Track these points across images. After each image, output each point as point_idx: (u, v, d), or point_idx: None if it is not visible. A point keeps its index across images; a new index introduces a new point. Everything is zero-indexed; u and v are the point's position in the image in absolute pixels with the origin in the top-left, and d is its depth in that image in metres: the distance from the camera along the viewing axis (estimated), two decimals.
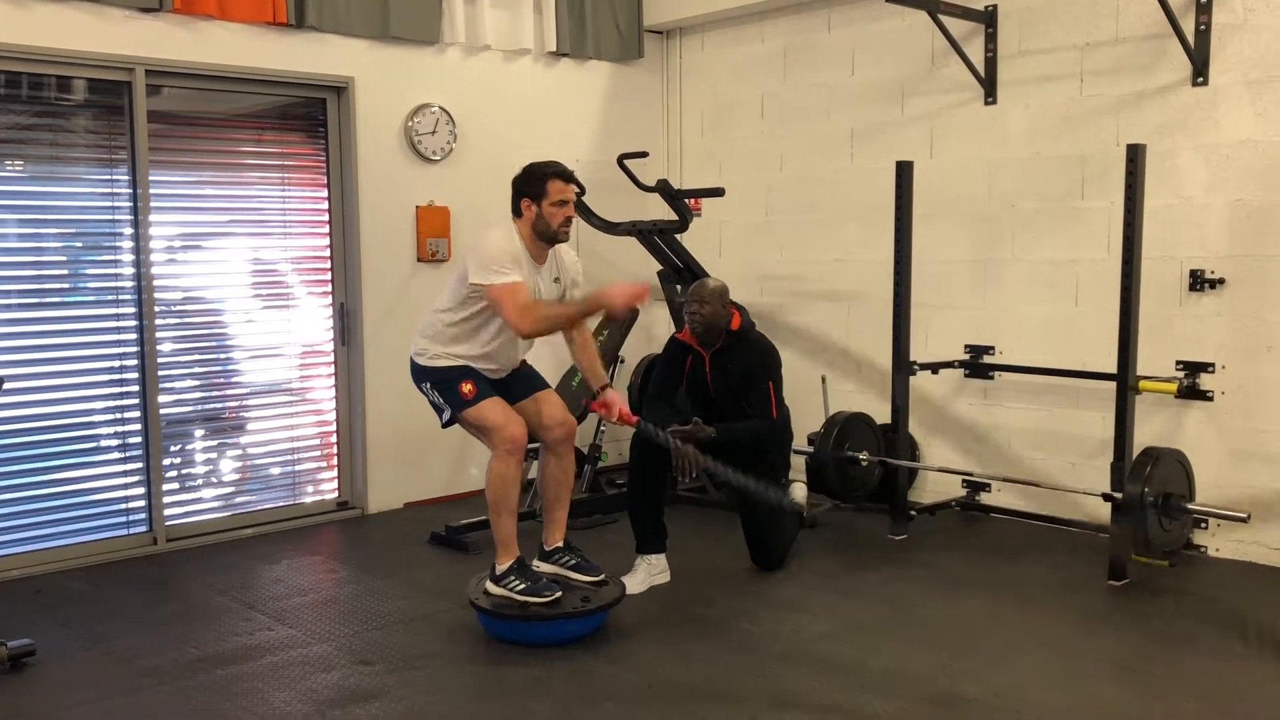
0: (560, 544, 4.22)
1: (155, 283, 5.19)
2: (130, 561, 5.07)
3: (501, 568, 4.02)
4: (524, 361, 4.29)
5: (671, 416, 4.68)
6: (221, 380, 5.57)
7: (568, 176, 4.05)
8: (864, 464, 5.41)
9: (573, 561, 4.18)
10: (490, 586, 4.04)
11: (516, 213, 4.05)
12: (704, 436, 4.56)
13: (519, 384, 4.21)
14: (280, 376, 5.74)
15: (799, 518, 5.32)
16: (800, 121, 6.45)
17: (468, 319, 4.02)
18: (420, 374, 4.13)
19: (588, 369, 4.31)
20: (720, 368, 4.76)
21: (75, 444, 5.07)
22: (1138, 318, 4.52)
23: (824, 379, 6.05)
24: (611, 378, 5.82)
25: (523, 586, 3.98)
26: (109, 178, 5.08)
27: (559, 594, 3.98)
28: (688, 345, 4.85)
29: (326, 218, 5.81)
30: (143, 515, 5.24)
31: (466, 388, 4.00)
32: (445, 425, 4.14)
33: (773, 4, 6.36)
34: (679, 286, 5.92)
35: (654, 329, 6.93)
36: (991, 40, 5.55)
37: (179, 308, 5.36)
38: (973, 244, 5.73)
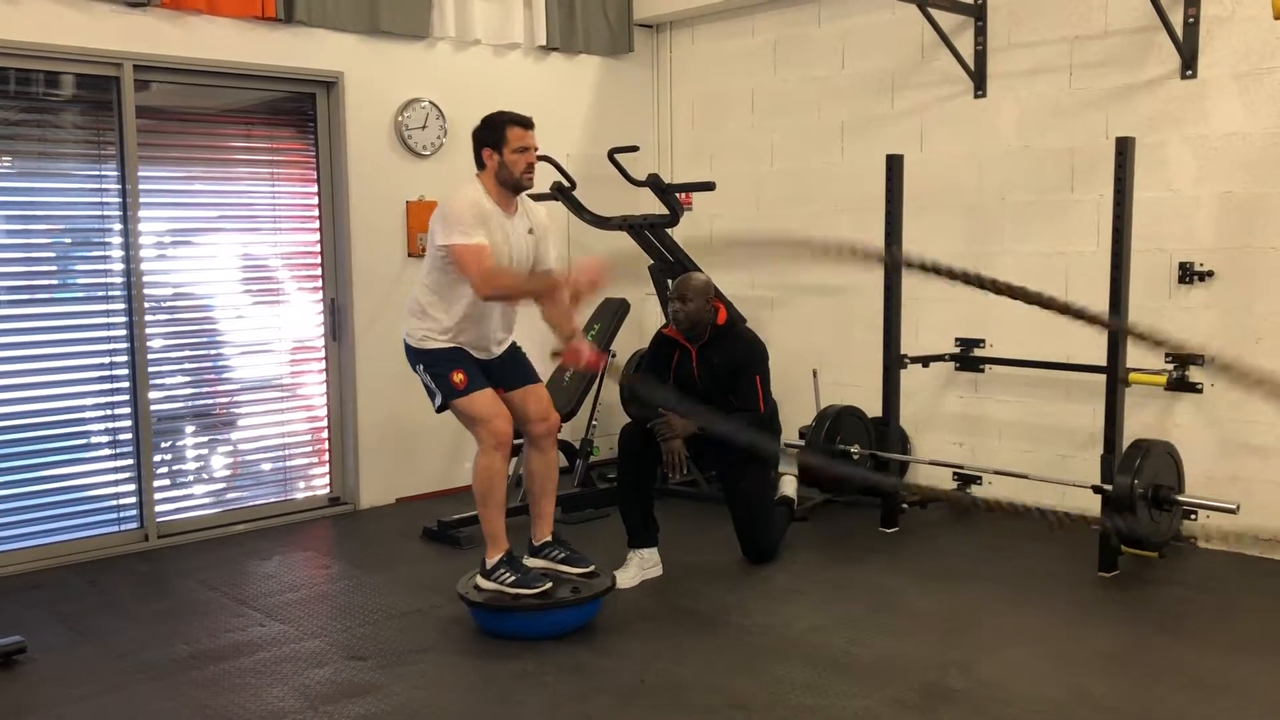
0: (549, 538, 4.23)
1: (145, 279, 5.18)
2: (122, 558, 5.06)
3: (491, 561, 4.03)
4: (516, 345, 4.27)
5: (656, 412, 4.69)
6: (212, 376, 5.56)
7: (526, 123, 4.07)
8: (855, 457, 5.42)
9: (562, 555, 4.19)
10: (481, 581, 4.05)
11: (479, 165, 4.07)
12: (688, 430, 4.58)
13: (512, 372, 4.20)
14: (271, 372, 5.73)
15: (789, 511, 5.33)
16: (791, 115, 6.45)
17: (444, 284, 4.00)
18: (414, 356, 4.12)
19: (558, 323, 4.23)
20: (707, 361, 4.77)
21: (66, 441, 5.06)
22: (1127, 310, 4.54)
23: (815, 372, 6.06)
24: (602, 372, 5.83)
25: (513, 579, 3.98)
26: (98, 174, 5.07)
27: (549, 585, 3.99)
28: (674, 340, 4.86)
29: (316, 213, 5.80)
30: (134, 512, 5.23)
31: (458, 377, 3.99)
32: (438, 410, 4.14)
33: None
34: (670, 281, 5.92)
35: (646, 323, 6.92)
36: (981, 33, 5.56)
37: (169, 304, 5.35)
38: (963, 237, 5.74)
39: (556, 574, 4.12)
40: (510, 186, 4.04)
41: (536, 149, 4.11)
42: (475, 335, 4.08)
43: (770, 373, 4.87)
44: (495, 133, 4.03)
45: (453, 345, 4.05)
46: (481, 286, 3.87)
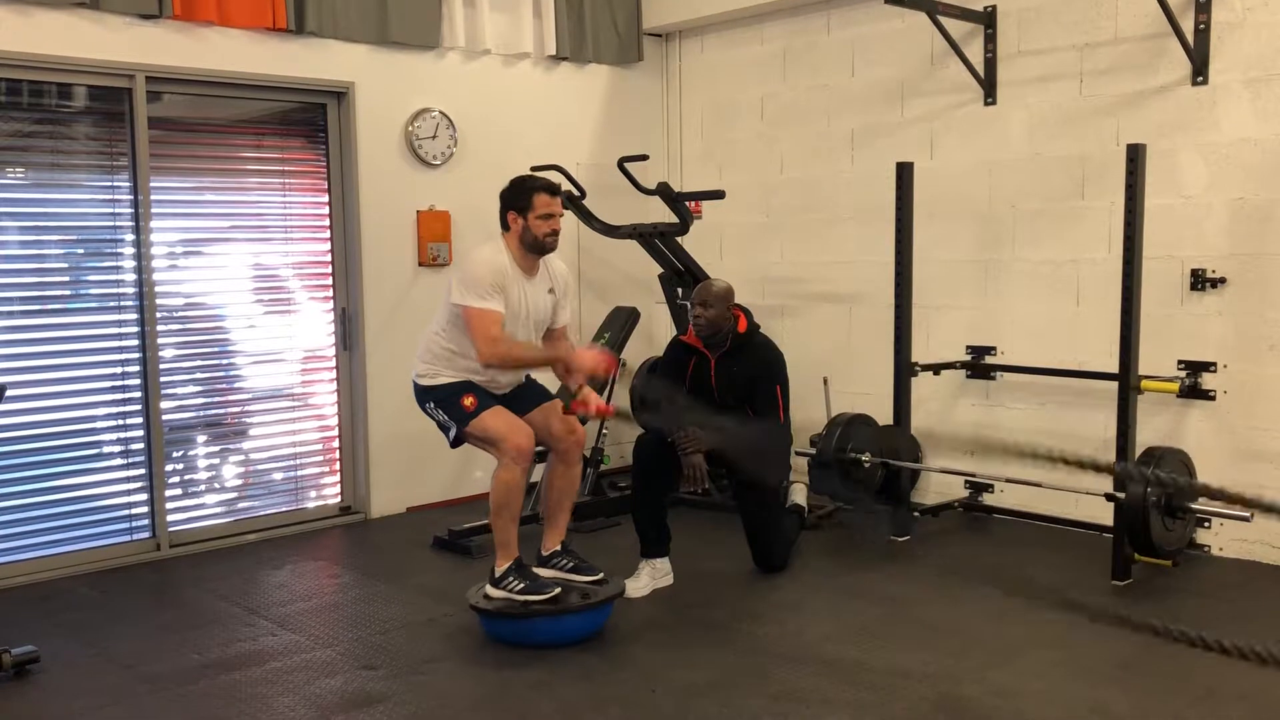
0: (558, 548, 4.23)
1: (157, 289, 5.19)
2: (133, 567, 5.08)
3: (500, 569, 4.03)
4: (529, 376, 4.30)
5: (671, 420, 4.68)
6: (223, 386, 5.57)
7: (553, 189, 4.10)
8: (866, 465, 5.40)
9: (570, 564, 4.20)
10: (490, 590, 4.05)
11: (504, 226, 4.10)
12: (709, 446, 4.57)
13: (524, 397, 4.23)
14: (282, 381, 5.74)
15: (800, 519, 5.32)
16: (800, 123, 6.45)
17: (462, 336, 4.03)
18: (423, 395, 4.15)
19: (565, 377, 4.25)
20: (726, 370, 4.76)
21: (78, 450, 5.08)
22: (1139, 317, 4.52)
23: (826, 380, 6.05)
24: (613, 381, 5.84)
25: (522, 586, 3.99)
26: (110, 184, 5.09)
27: (558, 590, 3.99)
28: (692, 347, 4.84)
29: (327, 222, 5.81)
30: (145, 521, 5.24)
31: (468, 400, 4.01)
32: (454, 444, 4.14)
33: (772, 6, 6.37)
34: (679, 290, 5.92)
35: (655, 332, 6.93)
36: (991, 41, 5.55)
37: (180, 313, 5.37)
38: (974, 244, 5.73)
39: (566, 583, 4.12)
40: (534, 250, 4.07)
41: (561, 215, 4.13)
42: (490, 379, 4.12)
43: (789, 382, 4.87)
44: (522, 198, 4.05)
45: (465, 379, 4.07)
46: (486, 352, 3.93)
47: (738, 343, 4.77)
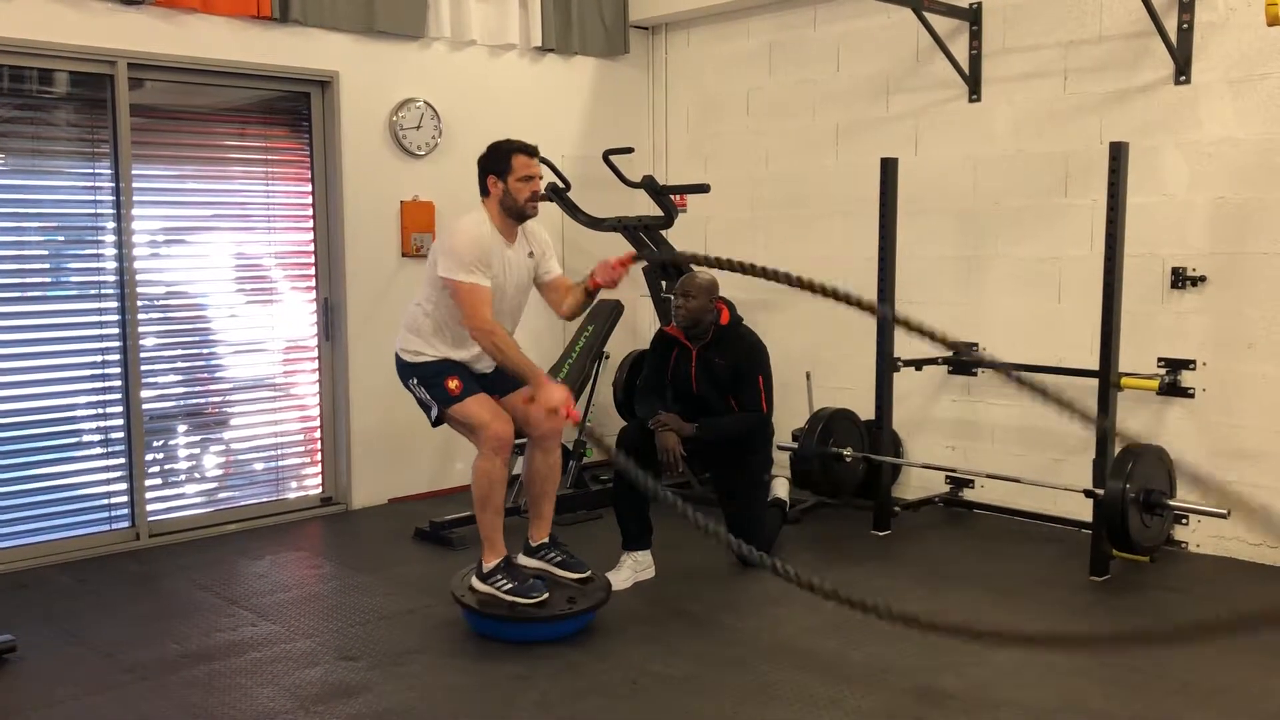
0: (546, 540, 4.22)
1: (138, 277, 5.16)
2: (113, 557, 5.05)
3: (488, 566, 4.01)
4: None
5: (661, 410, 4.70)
6: (205, 375, 5.55)
7: (532, 151, 4.07)
8: (848, 460, 5.42)
9: (559, 558, 4.19)
10: (476, 583, 4.04)
11: (484, 191, 4.07)
12: (685, 432, 4.59)
13: (506, 380, 4.20)
14: (264, 371, 5.72)
15: (782, 513, 5.34)
16: (786, 118, 6.46)
17: (445, 307, 4.01)
18: (406, 370, 4.12)
19: (573, 296, 4.19)
20: (706, 362, 4.76)
21: (57, 439, 5.04)
22: (1120, 315, 4.55)
23: (808, 375, 6.06)
24: (596, 374, 5.84)
25: (510, 586, 3.97)
26: (91, 171, 5.05)
27: (546, 595, 3.97)
28: (674, 338, 4.85)
29: (310, 212, 5.79)
30: (125, 511, 5.22)
31: (452, 384, 3.99)
32: (434, 424, 4.12)
33: (758, 0, 6.36)
34: (664, 283, 5.93)
35: (639, 325, 6.93)
36: (976, 37, 5.57)
37: (161, 302, 5.34)
38: (957, 241, 5.75)
39: (552, 577, 4.11)
40: (514, 215, 4.04)
41: (541, 178, 4.10)
42: (472, 354, 4.09)
43: (772, 373, 4.87)
44: (500, 161, 4.02)
45: (445, 359, 4.05)
46: (474, 329, 3.89)
47: (719, 334, 4.78)
